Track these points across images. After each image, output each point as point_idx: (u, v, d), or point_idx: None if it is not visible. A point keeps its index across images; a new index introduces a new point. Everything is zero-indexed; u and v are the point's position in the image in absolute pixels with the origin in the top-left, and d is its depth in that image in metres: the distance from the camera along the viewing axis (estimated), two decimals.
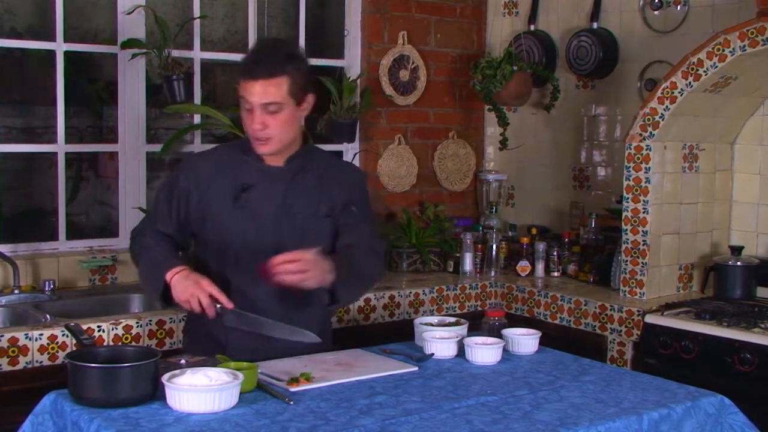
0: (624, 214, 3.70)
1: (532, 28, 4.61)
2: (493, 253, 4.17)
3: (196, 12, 3.98)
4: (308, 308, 2.63)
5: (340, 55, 4.44)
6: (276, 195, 2.61)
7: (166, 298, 2.52)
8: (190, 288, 2.45)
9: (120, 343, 3.02)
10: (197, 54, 4.01)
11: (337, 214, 2.68)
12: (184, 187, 2.64)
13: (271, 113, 2.50)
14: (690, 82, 3.46)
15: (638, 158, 3.63)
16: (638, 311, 3.46)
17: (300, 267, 2.38)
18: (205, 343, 2.61)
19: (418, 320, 2.87)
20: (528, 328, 2.84)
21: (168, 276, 2.48)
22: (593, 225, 4.14)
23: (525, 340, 2.75)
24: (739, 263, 3.63)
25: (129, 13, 3.76)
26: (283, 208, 2.61)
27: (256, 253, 2.54)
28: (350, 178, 2.78)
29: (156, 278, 2.52)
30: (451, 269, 4.23)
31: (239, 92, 2.54)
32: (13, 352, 2.85)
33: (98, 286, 3.68)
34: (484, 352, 2.62)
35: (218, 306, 2.46)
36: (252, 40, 4.14)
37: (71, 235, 3.76)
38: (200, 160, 2.73)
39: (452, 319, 2.87)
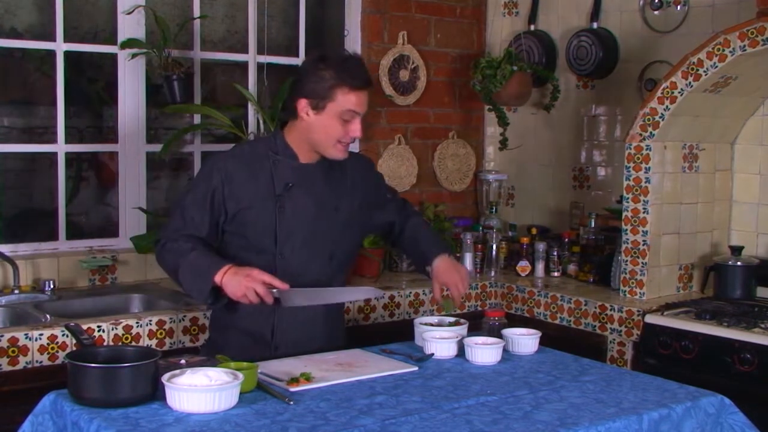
0: (624, 214, 3.70)
1: (532, 28, 4.61)
2: (493, 253, 4.17)
3: (196, 12, 3.98)
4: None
5: None
6: (314, 192, 2.66)
7: (213, 298, 2.54)
8: (243, 282, 2.46)
9: (120, 343, 3.02)
10: (197, 54, 4.01)
11: (366, 203, 2.82)
12: (218, 189, 2.61)
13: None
14: (690, 82, 3.46)
15: (638, 158, 3.63)
16: (638, 311, 3.46)
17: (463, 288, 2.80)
18: (247, 339, 2.63)
19: (418, 320, 2.87)
20: (528, 328, 2.84)
21: (217, 278, 2.49)
22: (593, 225, 4.14)
23: (525, 340, 2.75)
24: (739, 263, 3.62)
25: (129, 13, 3.76)
26: (322, 204, 2.67)
27: (298, 250, 2.63)
28: (368, 166, 2.94)
29: (203, 282, 2.52)
30: None
31: (342, 101, 2.55)
32: (13, 352, 2.85)
33: (98, 286, 3.68)
34: (484, 352, 2.62)
35: (274, 290, 2.48)
36: (252, 40, 4.14)
37: (71, 235, 3.76)
38: (230, 160, 2.67)
39: (452, 319, 2.87)
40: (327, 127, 2.59)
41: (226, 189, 2.61)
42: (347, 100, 2.57)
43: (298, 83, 2.63)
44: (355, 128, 2.60)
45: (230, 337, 2.68)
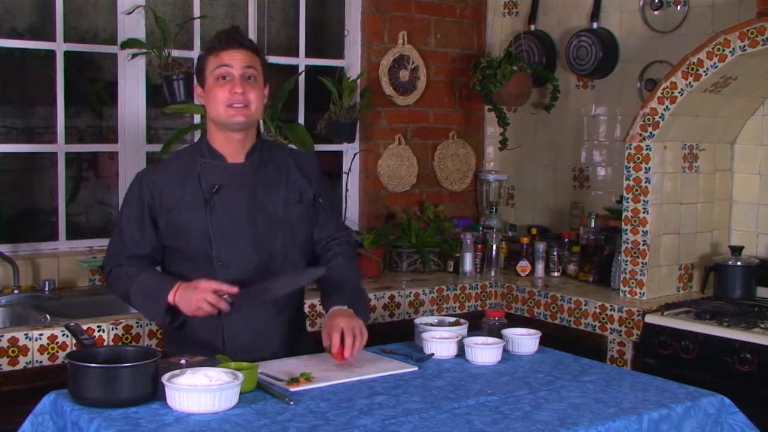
0: (624, 214, 3.70)
1: (532, 28, 4.61)
2: (493, 253, 4.17)
3: (196, 12, 3.98)
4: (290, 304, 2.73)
5: (340, 55, 4.44)
6: (245, 191, 2.61)
7: (171, 318, 2.54)
8: (192, 296, 2.45)
9: (120, 343, 3.02)
10: (197, 54, 4.00)
11: (308, 200, 2.72)
12: (148, 203, 2.60)
13: (248, 82, 2.56)
14: (690, 82, 3.46)
15: (638, 158, 3.63)
16: (638, 311, 3.46)
17: (360, 343, 2.53)
18: (199, 350, 2.55)
19: (418, 320, 2.87)
20: (528, 328, 2.84)
21: (170, 298, 2.49)
22: (593, 225, 4.14)
23: (525, 340, 2.75)
24: (739, 263, 3.62)
25: (129, 13, 3.77)
26: (254, 203, 2.62)
27: (236, 251, 2.58)
28: (307, 163, 2.79)
29: (156, 305, 2.52)
30: (451, 269, 4.23)
31: (212, 65, 2.56)
32: (13, 352, 2.85)
33: (98, 286, 3.68)
34: (484, 352, 2.62)
35: (225, 297, 2.46)
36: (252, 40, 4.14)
37: (71, 235, 3.76)
38: (156, 171, 2.67)
39: (452, 319, 2.87)
40: (212, 96, 2.56)
41: (156, 200, 2.59)
42: (216, 60, 2.56)
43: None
44: (234, 84, 2.53)
45: (185, 349, 2.56)
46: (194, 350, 2.52)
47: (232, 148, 2.62)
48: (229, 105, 2.54)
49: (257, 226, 2.61)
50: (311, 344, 2.78)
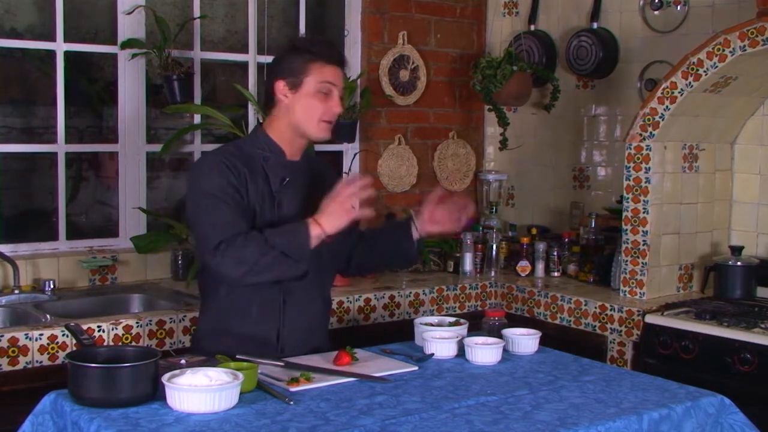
0: (624, 214, 3.70)
1: (532, 28, 4.61)
2: (493, 253, 4.17)
3: (196, 12, 3.98)
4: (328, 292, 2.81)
5: None
6: (304, 188, 2.67)
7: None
8: (338, 205, 2.49)
9: (120, 343, 3.02)
10: (197, 54, 4.01)
11: None
12: (236, 185, 2.54)
13: (341, 102, 2.64)
14: (690, 82, 3.46)
15: (638, 158, 3.63)
16: (638, 311, 3.46)
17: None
18: (248, 344, 2.56)
19: (418, 320, 2.87)
20: (528, 328, 2.84)
21: (313, 224, 2.48)
22: (593, 225, 4.14)
23: (525, 340, 2.75)
24: (739, 263, 3.62)
25: (129, 13, 3.77)
26: (309, 200, 2.65)
27: None
28: (335, 176, 2.94)
29: (302, 235, 2.48)
30: (451, 269, 4.23)
31: (317, 76, 2.57)
32: (13, 352, 2.85)
33: (98, 286, 3.68)
34: (484, 352, 2.62)
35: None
36: (252, 40, 4.14)
37: (71, 235, 3.76)
38: (229, 156, 2.59)
39: (452, 319, 2.87)
40: (306, 105, 2.58)
41: (235, 180, 2.54)
42: (323, 72, 2.58)
43: (273, 67, 2.64)
44: (335, 103, 2.59)
45: (229, 343, 2.56)
46: (240, 344, 2.53)
47: (294, 148, 2.67)
48: (325, 121, 2.60)
49: None
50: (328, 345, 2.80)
